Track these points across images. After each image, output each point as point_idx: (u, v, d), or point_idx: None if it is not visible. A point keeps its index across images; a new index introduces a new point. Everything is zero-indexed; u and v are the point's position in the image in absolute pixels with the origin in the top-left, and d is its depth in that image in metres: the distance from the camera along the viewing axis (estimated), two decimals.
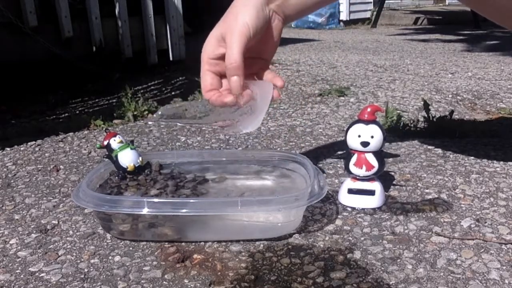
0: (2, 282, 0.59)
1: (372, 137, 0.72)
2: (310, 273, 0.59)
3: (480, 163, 0.94)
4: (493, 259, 0.61)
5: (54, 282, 0.59)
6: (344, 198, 0.77)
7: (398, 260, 0.61)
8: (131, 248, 0.66)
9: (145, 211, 0.63)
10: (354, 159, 0.74)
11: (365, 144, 0.73)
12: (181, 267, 0.61)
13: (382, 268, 0.60)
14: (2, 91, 1.54)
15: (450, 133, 1.14)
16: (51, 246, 0.68)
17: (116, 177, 0.77)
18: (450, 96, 1.58)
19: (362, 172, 0.74)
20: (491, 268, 0.59)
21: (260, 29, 0.63)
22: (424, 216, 0.73)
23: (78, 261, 0.63)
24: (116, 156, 0.76)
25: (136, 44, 2.07)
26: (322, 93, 1.64)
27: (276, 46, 0.69)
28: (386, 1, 5.21)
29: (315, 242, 0.66)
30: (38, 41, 1.68)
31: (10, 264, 0.63)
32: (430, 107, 1.20)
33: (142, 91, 1.73)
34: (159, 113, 0.68)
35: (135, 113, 1.39)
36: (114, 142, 0.76)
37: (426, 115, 1.18)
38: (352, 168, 0.75)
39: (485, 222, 0.70)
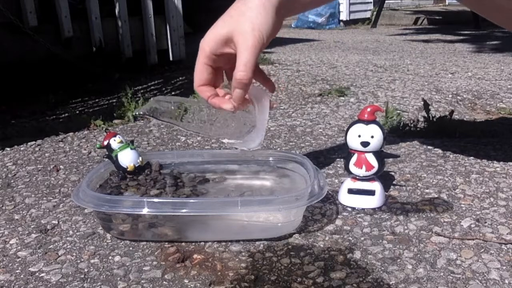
0: (2, 282, 0.59)
1: (372, 137, 0.72)
2: (310, 273, 0.59)
3: (480, 163, 0.94)
4: (493, 259, 0.61)
5: (54, 282, 0.59)
6: (344, 198, 0.77)
7: (398, 260, 0.61)
8: (131, 248, 0.66)
9: (145, 211, 0.63)
10: (354, 159, 0.74)
11: (365, 144, 0.73)
12: (181, 267, 0.61)
13: (382, 268, 0.60)
14: (2, 91, 1.54)
15: (450, 133, 1.14)
16: (51, 246, 0.68)
17: (116, 177, 0.77)
18: (450, 96, 1.58)
19: (362, 172, 0.74)
20: (491, 268, 0.59)
21: (272, 36, 0.61)
22: (424, 216, 0.73)
23: (78, 261, 0.63)
24: (116, 156, 0.76)
25: (136, 44, 2.07)
26: (322, 93, 1.64)
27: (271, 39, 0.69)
28: (386, 1, 5.21)
29: (315, 242, 0.66)
30: (38, 41, 1.68)
31: (10, 264, 0.63)
32: (430, 107, 1.20)
33: (142, 91, 1.73)
34: (149, 106, 0.68)
35: (135, 113, 1.38)
36: (114, 142, 0.76)
37: (426, 115, 1.18)
38: (352, 168, 0.75)
39: (485, 222, 0.70)
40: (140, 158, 0.78)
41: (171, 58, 2.22)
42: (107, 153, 0.78)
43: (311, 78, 1.95)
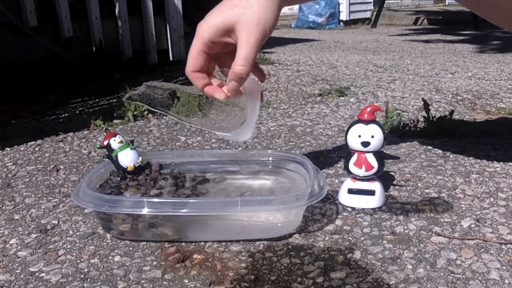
0: (2, 282, 0.59)
1: (372, 137, 0.72)
2: (310, 273, 0.59)
3: (480, 163, 0.94)
4: (493, 259, 0.61)
5: (54, 282, 0.59)
6: (344, 198, 0.77)
7: (398, 260, 0.61)
8: (131, 248, 0.66)
9: (145, 211, 0.63)
10: (354, 159, 0.74)
11: (365, 144, 0.73)
12: (181, 267, 0.61)
13: (382, 268, 0.60)
14: (2, 91, 1.54)
15: (450, 133, 1.14)
16: (51, 246, 0.68)
17: (116, 177, 0.77)
18: (450, 96, 1.58)
19: (362, 172, 0.74)
20: (491, 268, 0.59)
21: (274, 27, 0.61)
22: (424, 216, 0.73)
23: (78, 261, 0.63)
24: (116, 156, 0.76)
25: (136, 44, 2.07)
26: (322, 93, 1.64)
27: None
28: (386, 1, 5.21)
29: (315, 242, 0.66)
30: (38, 41, 1.68)
31: (10, 264, 0.63)
32: (430, 107, 1.20)
33: None
34: (141, 91, 0.67)
35: (135, 113, 1.39)
36: (114, 142, 0.76)
37: (426, 115, 1.18)
38: (352, 168, 0.75)
39: (485, 222, 0.70)
40: (140, 158, 0.78)
41: (171, 58, 2.22)
42: (107, 153, 0.78)
43: (311, 78, 1.95)
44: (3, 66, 1.58)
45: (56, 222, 0.75)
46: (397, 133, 1.16)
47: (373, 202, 0.75)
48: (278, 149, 1.08)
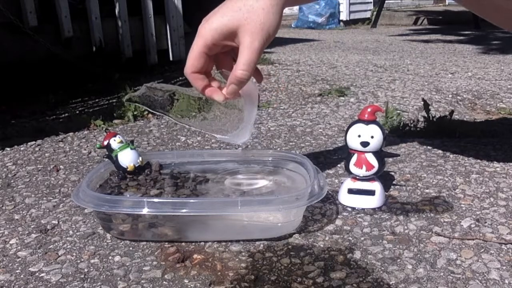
0: (2, 282, 0.59)
1: (372, 137, 0.72)
2: (310, 273, 0.59)
3: (480, 163, 0.94)
4: (493, 259, 0.61)
5: (54, 282, 0.59)
6: (344, 198, 0.77)
7: (398, 260, 0.61)
8: (131, 248, 0.66)
9: (145, 211, 0.63)
10: (354, 159, 0.74)
11: (365, 144, 0.73)
12: (181, 267, 0.61)
13: (382, 268, 0.60)
14: (2, 91, 1.54)
15: (450, 133, 1.14)
16: (51, 246, 0.68)
17: (116, 177, 0.77)
18: (450, 96, 1.58)
19: (362, 172, 0.74)
20: (491, 268, 0.59)
21: (277, 31, 0.61)
22: (424, 216, 0.73)
23: (78, 261, 0.63)
24: (116, 156, 0.76)
25: (136, 44, 2.07)
26: (322, 93, 1.64)
27: None
28: (386, 1, 5.21)
29: (315, 242, 0.66)
30: (38, 41, 1.68)
31: (10, 264, 0.63)
32: (430, 107, 1.20)
33: None
34: (141, 93, 0.67)
35: (135, 113, 1.39)
36: (114, 142, 0.76)
37: (426, 115, 1.18)
38: (352, 168, 0.75)
39: (485, 222, 0.70)
40: (140, 158, 0.78)
41: (171, 58, 2.22)
42: (107, 153, 0.78)
43: (311, 78, 1.95)
44: (3, 66, 1.58)
45: (56, 222, 0.75)
46: (397, 133, 1.16)
47: (373, 202, 0.75)
48: (278, 149, 1.08)
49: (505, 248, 0.63)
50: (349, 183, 0.77)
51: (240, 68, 0.59)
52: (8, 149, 1.13)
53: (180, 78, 1.96)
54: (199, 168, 0.84)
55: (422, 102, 1.21)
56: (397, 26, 5.19)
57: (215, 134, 0.73)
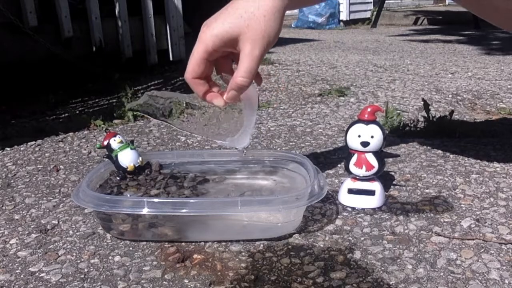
0: (2, 282, 0.59)
1: (372, 137, 0.72)
2: (310, 273, 0.59)
3: (480, 163, 0.94)
4: (493, 259, 0.61)
5: (54, 282, 0.59)
6: (344, 198, 0.77)
7: (398, 260, 0.61)
8: (131, 248, 0.66)
9: (145, 211, 0.63)
10: (354, 159, 0.74)
11: (365, 144, 0.73)
12: (181, 267, 0.61)
13: (382, 268, 0.60)
14: (2, 91, 1.54)
15: (450, 133, 1.14)
16: (51, 246, 0.68)
17: (116, 177, 0.77)
18: (450, 96, 1.58)
19: (362, 172, 0.74)
20: (491, 268, 0.59)
21: (277, 38, 0.61)
22: (424, 216, 0.73)
23: (78, 261, 0.63)
24: (116, 156, 0.76)
25: (136, 44, 2.07)
26: (322, 93, 1.64)
27: None
28: (386, 1, 5.21)
29: (315, 242, 0.66)
30: (38, 41, 1.68)
31: (10, 264, 0.63)
32: (430, 107, 1.20)
33: (142, 91, 1.73)
34: (143, 101, 0.68)
35: (135, 113, 1.38)
36: (114, 142, 0.76)
37: (426, 115, 1.18)
38: (352, 168, 0.75)
39: (485, 222, 0.70)
40: (140, 158, 0.78)
41: (171, 58, 2.22)
42: (107, 153, 0.78)
43: (311, 78, 1.95)
44: (3, 66, 1.58)
45: (56, 222, 0.75)
46: (397, 133, 1.16)
47: (373, 202, 0.75)
48: (278, 149, 1.08)
49: (505, 248, 0.63)
50: (349, 183, 0.77)
51: (241, 75, 0.60)
52: (8, 149, 1.13)
53: (180, 78, 1.96)
54: (199, 168, 0.84)
55: (422, 102, 1.21)
56: (397, 26, 5.19)
57: (215, 139, 0.73)
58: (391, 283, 0.57)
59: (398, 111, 1.28)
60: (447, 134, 1.13)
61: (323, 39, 3.78)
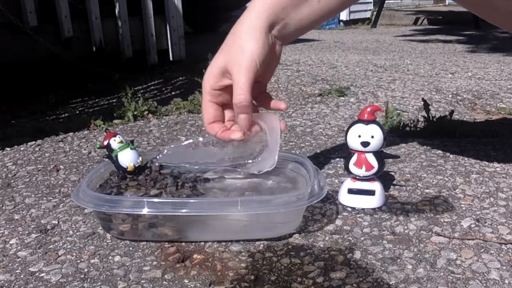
0: (2, 282, 0.59)
1: (372, 137, 0.72)
2: (310, 273, 0.59)
3: (480, 163, 0.94)
4: (493, 259, 0.61)
5: (54, 282, 0.59)
6: (344, 198, 0.77)
7: (398, 260, 0.61)
8: (131, 248, 0.66)
9: (145, 211, 0.63)
10: (354, 159, 0.74)
11: (365, 144, 0.73)
12: (181, 267, 0.61)
13: (382, 268, 0.60)
14: (2, 91, 1.54)
15: (450, 133, 1.14)
16: (51, 246, 0.68)
17: (116, 177, 0.77)
18: (450, 96, 1.58)
19: (362, 172, 0.74)
20: (491, 268, 0.59)
21: (266, 59, 0.62)
22: (424, 216, 0.73)
23: (78, 261, 0.63)
24: (116, 156, 0.76)
25: (136, 44, 2.07)
26: (322, 93, 1.64)
27: (275, 69, 0.69)
28: (386, 1, 5.21)
29: (315, 242, 0.66)
30: (38, 41, 1.68)
31: (10, 264, 0.63)
32: (430, 107, 1.20)
33: (142, 91, 1.73)
34: (165, 152, 0.69)
35: (135, 113, 1.39)
36: (114, 142, 0.76)
37: (426, 115, 1.18)
38: (352, 168, 0.75)
39: (485, 222, 0.70)
40: (140, 158, 0.77)
41: (171, 58, 2.22)
42: (107, 153, 0.78)
43: (311, 78, 1.95)
44: (3, 66, 1.58)
45: (56, 222, 0.75)
46: (397, 133, 1.16)
47: (373, 202, 0.75)
48: (278, 149, 1.08)
49: (505, 248, 0.63)
50: (349, 183, 0.77)
51: (236, 93, 0.60)
52: (8, 149, 1.13)
53: (180, 78, 1.96)
54: (199, 168, 0.84)
55: (422, 102, 1.20)
56: (397, 26, 5.19)
57: (243, 168, 0.73)
58: (391, 283, 0.57)
59: (398, 111, 1.28)
60: (447, 134, 1.13)
61: (323, 39, 3.78)
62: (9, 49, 1.66)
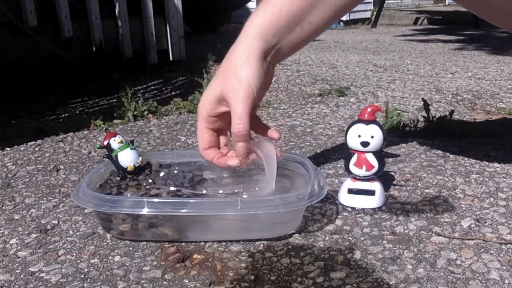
0: (2, 282, 0.59)
1: (372, 137, 0.72)
2: (310, 273, 0.59)
3: (480, 163, 0.94)
4: (493, 259, 0.61)
5: (54, 282, 0.59)
6: (344, 198, 0.77)
7: (398, 260, 0.61)
8: (131, 248, 0.66)
9: (145, 211, 0.63)
10: (354, 159, 0.74)
11: (365, 144, 0.73)
12: (181, 267, 0.61)
13: (382, 268, 0.60)
14: (2, 91, 1.54)
15: (450, 133, 1.14)
16: (51, 246, 0.68)
17: (116, 177, 0.77)
18: (450, 96, 1.58)
19: (362, 172, 0.74)
20: (491, 268, 0.59)
21: (262, 86, 0.62)
22: (424, 216, 0.73)
23: (78, 261, 0.63)
24: (116, 156, 0.76)
25: (136, 44, 2.07)
26: (322, 93, 1.64)
27: (267, 90, 0.69)
28: (386, 1, 5.21)
29: (315, 242, 0.66)
30: (38, 41, 1.68)
31: (10, 264, 0.63)
32: (430, 107, 1.20)
33: (142, 91, 1.73)
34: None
35: (135, 113, 1.39)
36: (114, 142, 0.76)
37: (426, 115, 1.18)
38: (352, 168, 0.75)
39: (485, 222, 0.70)
40: (140, 158, 0.78)
41: (171, 58, 2.22)
42: (107, 153, 0.78)
43: (311, 78, 1.95)
44: (3, 66, 1.59)
45: (56, 222, 0.75)
46: (397, 133, 1.16)
47: (373, 202, 0.75)
48: (278, 149, 1.08)
49: (505, 248, 0.63)
50: (349, 183, 0.77)
51: (235, 123, 0.61)
52: (8, 149, 1.13)
53: (180, 78, 1.96)
54: (199, 168, 0.84)
55: (422, 102, 1.20)
56: (397, 26, 5.19)
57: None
58: (391, 283, 0.57)
59: (398, 111, 1.28)
60: (447, 134, 1.13)
61: (323, 39, 3.78)
62: (9, 49, 1.67)
